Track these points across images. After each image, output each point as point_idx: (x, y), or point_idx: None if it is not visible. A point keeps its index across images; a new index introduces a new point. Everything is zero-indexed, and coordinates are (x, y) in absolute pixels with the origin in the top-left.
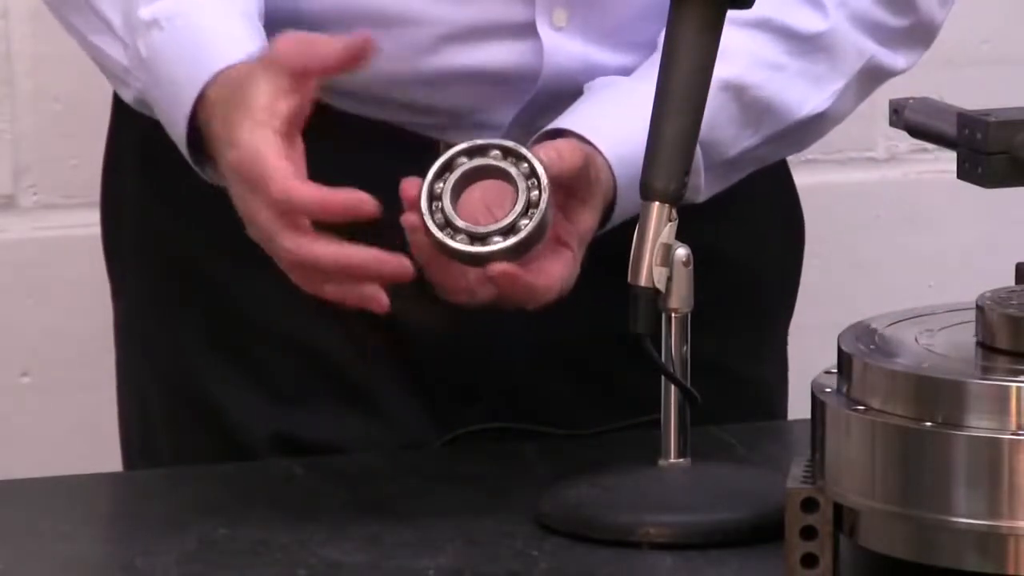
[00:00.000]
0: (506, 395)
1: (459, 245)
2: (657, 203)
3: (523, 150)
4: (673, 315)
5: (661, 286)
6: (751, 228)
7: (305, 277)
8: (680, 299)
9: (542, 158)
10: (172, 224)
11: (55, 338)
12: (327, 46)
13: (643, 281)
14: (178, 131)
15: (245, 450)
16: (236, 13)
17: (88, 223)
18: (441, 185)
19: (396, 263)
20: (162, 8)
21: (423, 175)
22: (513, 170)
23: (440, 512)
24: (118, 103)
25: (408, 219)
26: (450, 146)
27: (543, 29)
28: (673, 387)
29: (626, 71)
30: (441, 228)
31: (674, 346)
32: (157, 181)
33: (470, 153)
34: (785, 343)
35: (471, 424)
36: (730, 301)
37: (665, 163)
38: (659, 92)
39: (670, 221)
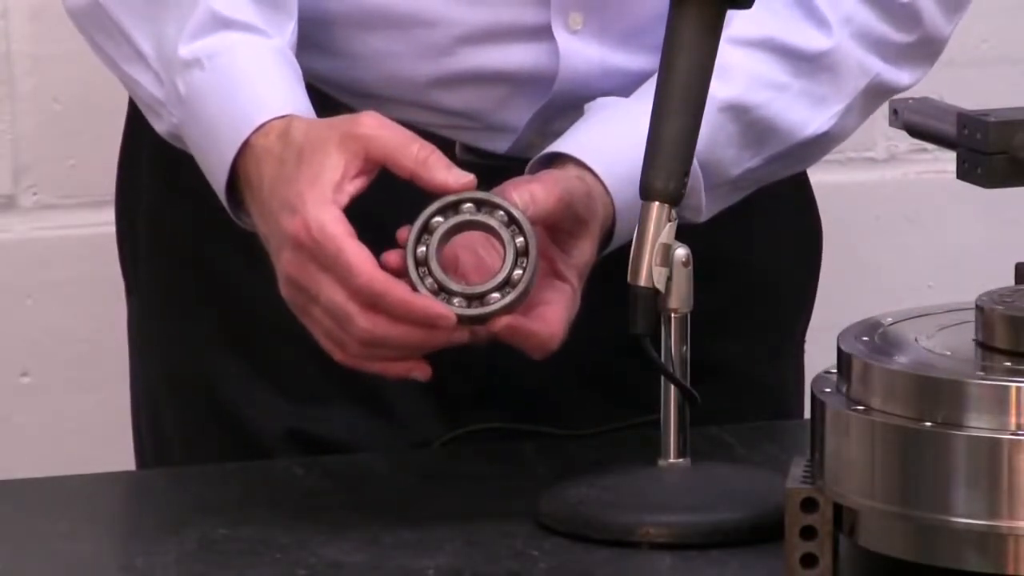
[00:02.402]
0: (517, 397)
1: (458, 310)
2: (657, 203)
3: (496, 199)
4: (673, 315)
5: (661, 286)
6: (769, 233)
7: (365, 353)
8: (680, 299)
9: (516, 202)
10: (187, 223)
11: (55, 338)
12: (430, 158)
13: (643, 281)
14: (215, 172)
15: (259, 448)
16: (275, 52)
17: (88, 223)
18: (424, 249)
19: (461, 336)
20: (203, 47)
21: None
22: (493, 221)
23: (440, 512)
24: (134, 103)
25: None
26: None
27: (558, 32)
28: (673, 387)
29: (643, 74)
30: (435, 294)
31: (674, 346)
32: (173, 180)
33: (444, 211)
34: (802, 348)
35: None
36: (747, 306)
37: (665, 163)
38: (659, 92)
39: (670, 221)
